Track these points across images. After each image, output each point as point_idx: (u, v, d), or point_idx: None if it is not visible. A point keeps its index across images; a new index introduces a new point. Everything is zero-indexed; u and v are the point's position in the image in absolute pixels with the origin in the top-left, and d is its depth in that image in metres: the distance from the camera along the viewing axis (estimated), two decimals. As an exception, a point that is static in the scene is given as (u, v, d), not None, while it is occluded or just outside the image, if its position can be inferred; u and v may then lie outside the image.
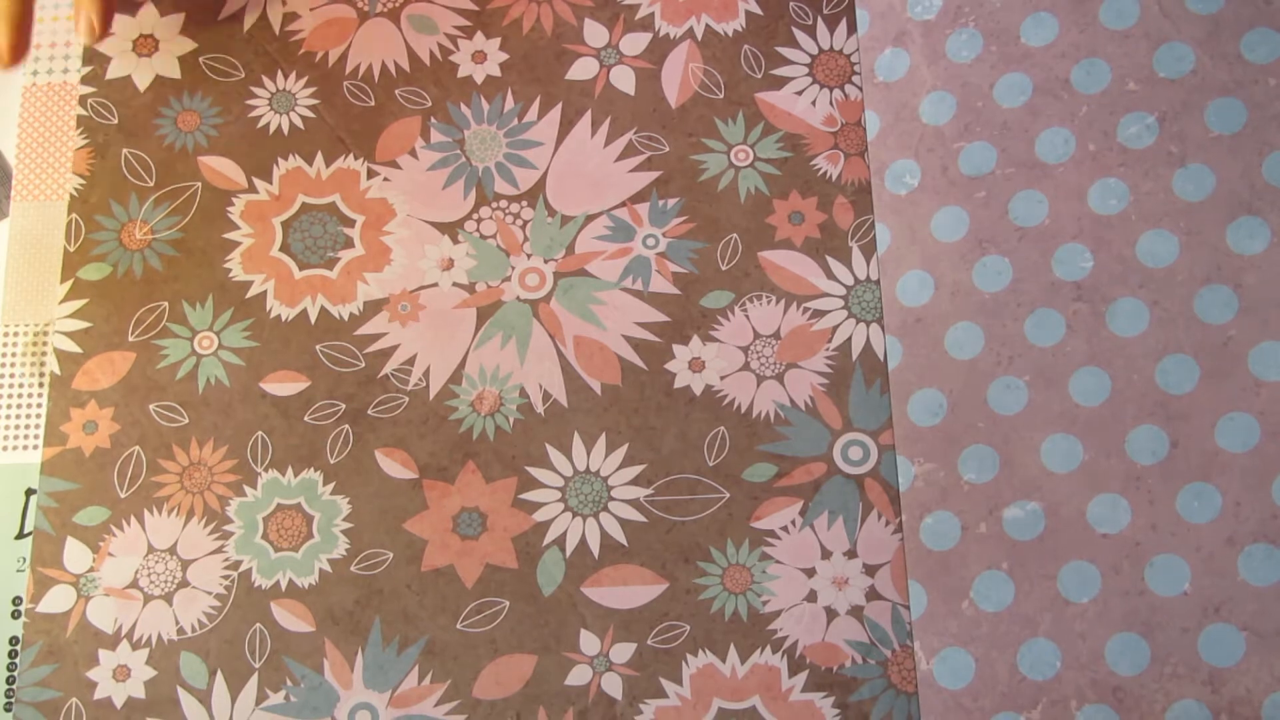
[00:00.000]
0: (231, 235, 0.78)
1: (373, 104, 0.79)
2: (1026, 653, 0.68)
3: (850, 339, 0.74)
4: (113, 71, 0.81)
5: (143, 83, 0.81)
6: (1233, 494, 0.68)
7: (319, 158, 0.79)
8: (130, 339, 0.76)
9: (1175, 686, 0.66)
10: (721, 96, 0.78)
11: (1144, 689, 0.67)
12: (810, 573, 0.71)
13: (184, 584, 0.73)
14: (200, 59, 0.81)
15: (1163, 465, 0.69)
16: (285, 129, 0.79)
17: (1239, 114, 0.72)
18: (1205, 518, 0.68)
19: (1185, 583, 0.67)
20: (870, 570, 0.71)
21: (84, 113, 0.80)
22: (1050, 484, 0.69)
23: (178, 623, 0.72)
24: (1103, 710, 0.67)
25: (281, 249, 0.78)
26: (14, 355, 0.76)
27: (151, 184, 0.79)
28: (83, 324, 0.77)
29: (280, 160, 0.79)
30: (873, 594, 0.71)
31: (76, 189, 0.79)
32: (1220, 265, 0.70)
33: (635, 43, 0.79)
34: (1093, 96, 0.73)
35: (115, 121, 0.80)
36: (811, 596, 0.71)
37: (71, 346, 0.76)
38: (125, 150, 0.80)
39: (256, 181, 0.79)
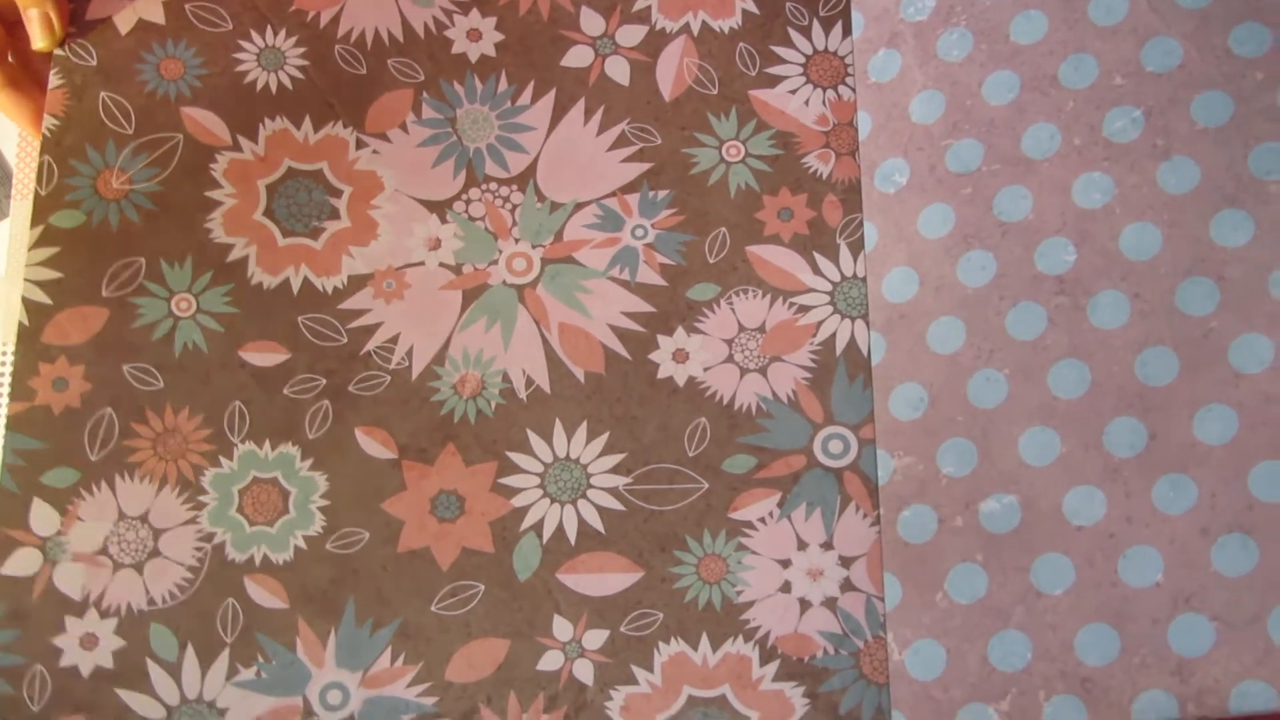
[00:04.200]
0: (213, 194, 0.76)
1: (364, 72, 0.79)
2: (997, 644, 0.68)
3: (835, 334, 0.75)
4: (92, 12, 0.79)
5: (124, 25, 0.79)
6: (1209, 485, 0.69)
7: (307, 121, 0.78)
8: (104, 294, 0.74)
9: (1144, 677, 0.67)
10: (715, 92, 0.79)
11: (1113, 679, 0.67)
12: (786, 564, 0.71)
13: (155, 553, 0.71)
14: (186, 5, 0.79)
15: (1140, 458, 0.69)
16: (273, 87, 0.78)
17: (1225, 107, 0.73)
18: (1180, 509, 0.69)
19: (1158, 574, 0.68)
20: (846, 562, 0.71)
21: (60, 52, 0.78)
22: (1028, 477, 0.70)
23: (148, 593, 0.70)
24: (1071, 701, 0.67)
25: (265, 214, 0.76)
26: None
27: (130, 131, 0.77)
28: (53, 274, 0.74)
29: (267, 120, 0.78)
30: (847, 586, 0.71)
31: (50, 129, 0.77)
32: (1203, 258, 0.71)
33: (631, 34, 0.80)
34: (1080, 92, 0.75)
35: (94, 63, 0.78)
36: (786, 587, 0.71)
37: (41, 297, 0.74)
38: (104, 94, 0.77)
39: (241, 140, 0.77)
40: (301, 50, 0.79)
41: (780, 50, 0.80)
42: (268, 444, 0.73)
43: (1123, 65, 0.75)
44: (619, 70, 0.79)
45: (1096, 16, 0.76)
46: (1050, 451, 0.70)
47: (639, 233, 0.76)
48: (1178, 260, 0.72)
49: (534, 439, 0.73)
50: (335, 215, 0.76)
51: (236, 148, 0.77)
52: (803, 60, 0.79)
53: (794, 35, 0.80)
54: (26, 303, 0.74)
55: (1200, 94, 0.73)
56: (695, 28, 0.80)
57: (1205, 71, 0.74)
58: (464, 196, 0.77)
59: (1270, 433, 0.68)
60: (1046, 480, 0.70)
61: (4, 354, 0.79)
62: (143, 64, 0.78)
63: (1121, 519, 0.69)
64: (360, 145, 0.78)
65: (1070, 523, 0.69)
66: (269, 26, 0.79)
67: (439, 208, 0.77)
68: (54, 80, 0.78)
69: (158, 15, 0.79)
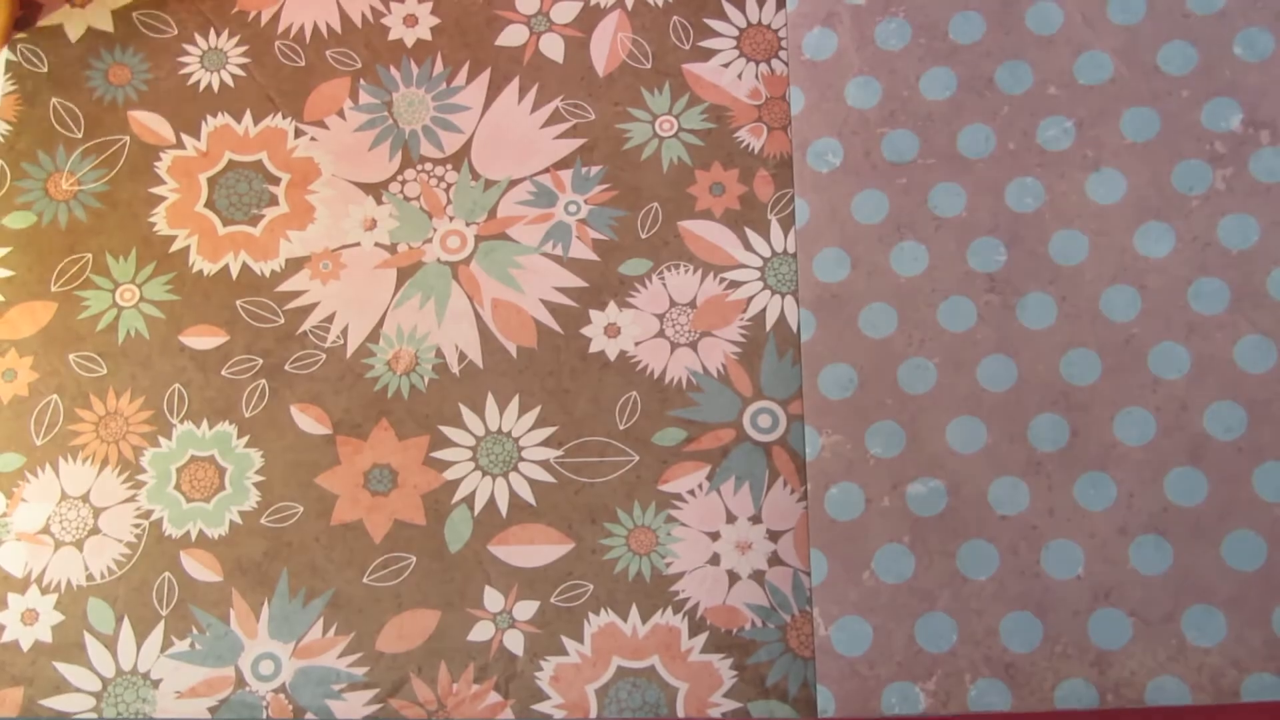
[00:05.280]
0: (157, 190, 0.79)
1: (303, 64, 0.80)
2: (924, 625, 0.69)
3: (765, 310, 0.75)
4: (44, 19, 0.81)
5: (74, 33, 0.81)
6: (1127, 485, 0.69)
7: (248, 115, 0.79)
8: (53, 289, 0.77)
9: (1064, 666, 0.68)
10: (649, 67, 0.79)
11: (1035, 666, 0.68)
12: (714, 536, 0.72)
13: (95, 531, 0.73)
14: (134, 14, 0.81)
15: (1062, 453, 0.70)
16: (215, 86, 0.80)
17: (1153, 123, 0.74)
18: (1100, 506, 0.69)
19: (1078, 567, 0.69)
20: (774, 536, 0.72)
21: (13, 58, 0.80)
22: (954, 463, 0.71)
23: (87, 569, 0.73)
24: (995, 685, 0.68)
25: (206, 205, 0.78)
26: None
27: (80, 135, 0.80)
28: (6, 272, 0.77)
29: (209, 117, 0.80)
30: (775, 560, 0.71)
31: (4, 134, 0.79)
32: (1126, 267, 0.72)
33: (566, 11, 0.80)
34: (1015, 97, 0.75)
35: (45, 70, 0.80)
36: (715, 560, 0.72)
37: (-7, 293, 0.77)
38: (54, 100, 0.80)
39: (185, 138, 0.79)
40: (243, 49, 0.81)
41: (714, 23, 0.79)
42: (205, 423, 0.74)
43: (1057, 75, 0.75)
44: (553, 47, 0.79)
45: (1033, 25, 0.75)
46: (976, 440, 0.71)
47: (572, 208, 0.77)
48: (1103, 267, 0.72)
49: (466, 413, 0.74)
50: (274, 202, 0.78)
51: (180, 145, 0.79)
52: (736, 33, 0.79)
53: (728, 8, 0.79)
54: (-21, 300, 0.77)
55: (1129, 108, 0.74)
56: (629, 2, 0.80)
57: (1135, 87, 0.74)
58: (400, 177, 0.78)
59: (1184, 438, 0.69)
60: (972, 468, 0.70)
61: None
62: (92, 70, 0.81)
63: (1044, 511, 0.69)
64: (299, 134, 0.79)
65: (995, 511, 0.70)
66: (212, 29, 0.81)
67: (375, 189, 0.78)
68: (7, 85, 0.80)
69: (106, 23, 0.81)
